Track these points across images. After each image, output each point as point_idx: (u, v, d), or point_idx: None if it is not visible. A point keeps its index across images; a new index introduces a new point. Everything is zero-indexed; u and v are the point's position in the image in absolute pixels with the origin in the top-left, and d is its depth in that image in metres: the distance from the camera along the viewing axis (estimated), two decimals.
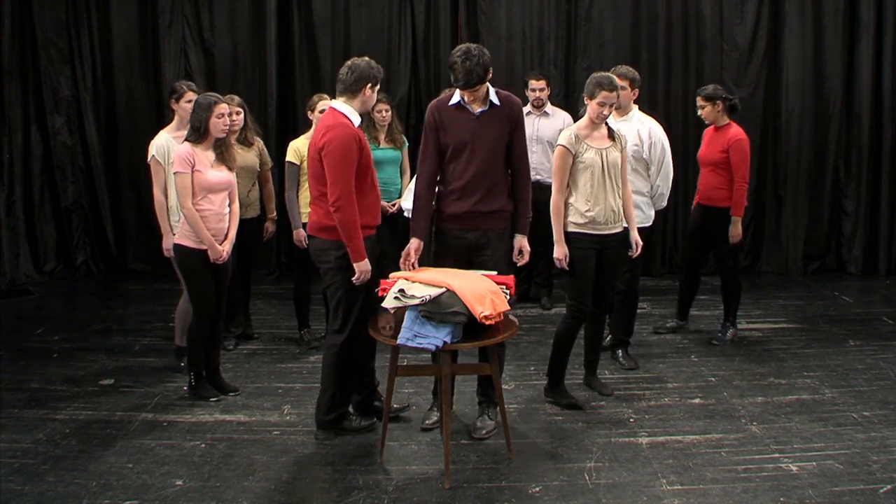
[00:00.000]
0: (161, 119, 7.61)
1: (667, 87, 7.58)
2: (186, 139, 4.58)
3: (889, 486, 3.69)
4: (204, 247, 4.56)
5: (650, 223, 5.18)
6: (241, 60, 7.65)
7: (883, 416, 4.46)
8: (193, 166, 4.48)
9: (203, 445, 4.19)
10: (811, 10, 7.45)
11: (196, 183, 4.50)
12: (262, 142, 5.66)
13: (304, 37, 7.62)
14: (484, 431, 4.27)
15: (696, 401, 4.74)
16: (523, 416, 4.55)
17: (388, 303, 3.81)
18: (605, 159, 4.43)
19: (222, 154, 4.63)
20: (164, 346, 5.73)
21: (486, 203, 4.18)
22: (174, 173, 4.54)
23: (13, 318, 6.41)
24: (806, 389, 4.88)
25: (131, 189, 7.76)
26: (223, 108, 4.54)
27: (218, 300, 4.73)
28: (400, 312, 3.87)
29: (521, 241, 4.32)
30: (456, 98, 4.18)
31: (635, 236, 4.65)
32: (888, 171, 7.55)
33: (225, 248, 4.63)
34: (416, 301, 3.72)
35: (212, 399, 4.71)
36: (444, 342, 3.68)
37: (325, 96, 5.42)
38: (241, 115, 5.45)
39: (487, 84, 4.12)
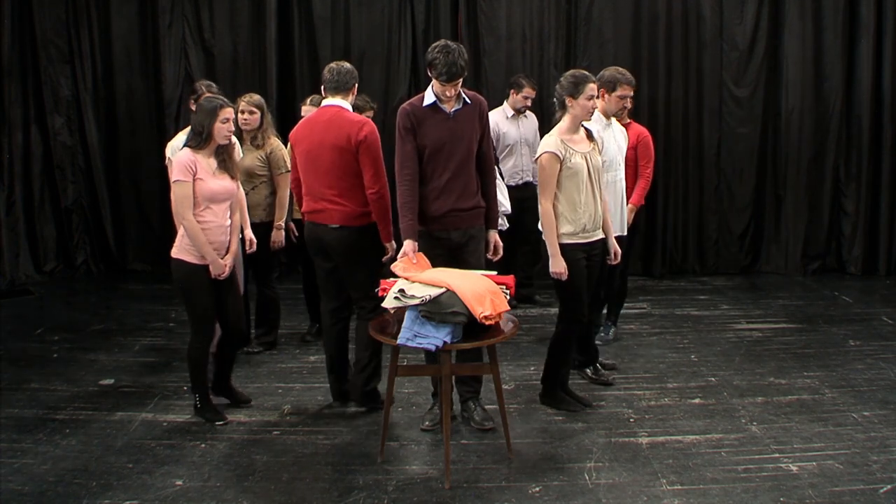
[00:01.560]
0: (161, 119, 7.66)
1: (667, 87, 7.56)
2: (186, 144, 4.25)
3: (889, 486, 3.69)
4: (205, 262, 4.22)
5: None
6: (241, 60, 7.65)
7: (883, 416, 4.46)
8: (195, 174, 4.14)
9: (203, 445, 4.19)
10: (811, 10, 7.45)
11: (198, 192, 4.15)
12: (277, 143, 5.35)
13: (304, 37, 7.63)
14: (488, 423, 4.28)
15: (696, 401, 4.73)
16: (523, 416, 4.54)
17: (388, 303, 3.80)
18: (590, 163, 4.33)
19: (224, 161, 4.28)
20: (164, 345, 5.74)
21: (465, 200, 4.22)
22: (173, 182, 4.17)
23: (13, 318, 6.40)
24: (806, 389, 4.88)
25: (131, 189, 7.77)
26: (228, 112, 4.20)
27: (237, 315, 4.45)
28: (400, 312, 3.87)
29: (495, 236, 4.38)
30: (430, 99, 4.18)
31: (614, 244, 4.56)
32: (888, 171, 7.54)
33: (227, 262, 4.31)
34: (416, 301, 3.71)
35: (219, 423, 4.39)
36: (444, 342, 3.67)
37: None
38: (257, 116, 5.23)
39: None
